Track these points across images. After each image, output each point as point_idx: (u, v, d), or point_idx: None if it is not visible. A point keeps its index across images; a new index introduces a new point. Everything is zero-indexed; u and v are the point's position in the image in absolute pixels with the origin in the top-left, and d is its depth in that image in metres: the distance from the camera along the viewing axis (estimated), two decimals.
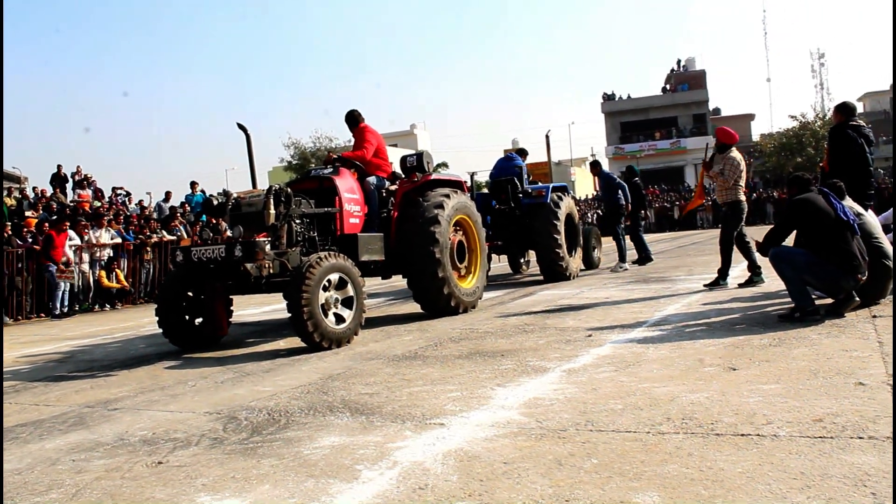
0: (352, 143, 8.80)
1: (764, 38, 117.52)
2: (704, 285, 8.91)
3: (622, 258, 13.00)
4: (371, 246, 7.70)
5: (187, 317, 7.27)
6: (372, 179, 8.23)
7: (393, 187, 8.49)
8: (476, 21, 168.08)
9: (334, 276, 6.53)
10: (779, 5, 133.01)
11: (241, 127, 7.85)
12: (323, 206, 7.54)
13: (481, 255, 8.92)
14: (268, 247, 6.50)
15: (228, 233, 7.10)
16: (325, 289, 6.43)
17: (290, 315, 6.27)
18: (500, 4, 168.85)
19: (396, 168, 9.02)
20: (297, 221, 7.17)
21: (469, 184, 12.39)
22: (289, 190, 7.00)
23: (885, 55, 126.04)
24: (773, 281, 8.04)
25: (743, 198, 8.72)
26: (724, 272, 8.79)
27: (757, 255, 8.75)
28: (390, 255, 7.98)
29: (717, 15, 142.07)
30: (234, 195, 7.19)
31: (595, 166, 14.30)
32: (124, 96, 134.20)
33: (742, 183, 8.71)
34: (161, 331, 7.17)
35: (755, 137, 61.36)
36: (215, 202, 7.34)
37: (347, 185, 7.77)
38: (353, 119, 8.50)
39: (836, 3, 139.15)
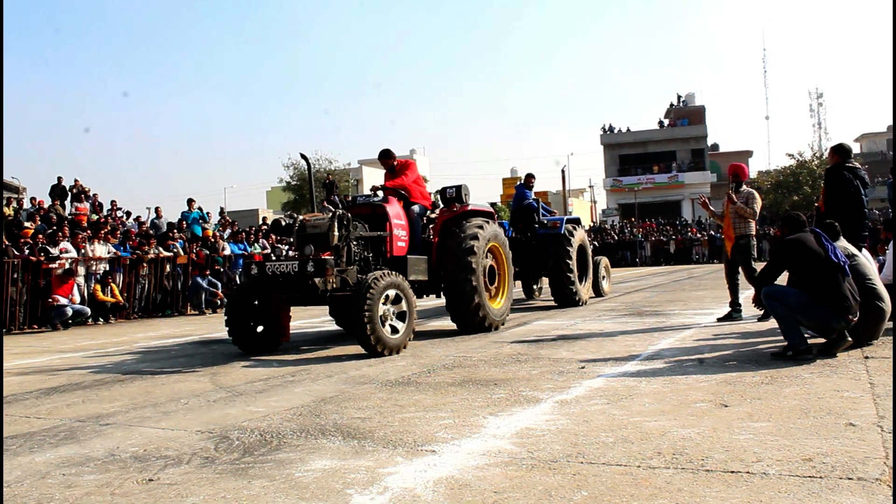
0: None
1: (764, 77, 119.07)
2: (717, 319, 9.10)
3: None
4: (417, 267, 8.66)
5: (252, 324, 7.93)
6: (416, 208, 9.12)
7: (433, 215, 9.47)
8: (479, 48, 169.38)
9: (392, 292, 7.34)
10: (779, 45, 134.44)
11: (303, 157, 9.37)
12: (373, 230, 8.41)
13: (509, 278, 9.82)
14: None
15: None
16: (384, 302, 7.21)
17: (353, 324, 7.05)
18: (502, 33, 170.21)
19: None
20: (355, 243, 8.02)
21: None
22: (349, 215, 7.87)
23: (882, 97, 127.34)
24: (760, 320, 8.09)
25: (754, 232, 9.04)
26: (734, 304, 9.07)
27: (741, 294, 9.09)
28: (431, 276, 8.89)
29: (717, 52, 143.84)
30: (300, 218, 8.08)
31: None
32: (124, 96, 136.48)
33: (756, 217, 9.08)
34: (232, 338, 7.83)
35: (753, 174, 61.75)
36: (283, 223, 8.08)
37: (395, 212, 8.67)
38: (389, 154, 9.41)
39: (836, 44, 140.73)
